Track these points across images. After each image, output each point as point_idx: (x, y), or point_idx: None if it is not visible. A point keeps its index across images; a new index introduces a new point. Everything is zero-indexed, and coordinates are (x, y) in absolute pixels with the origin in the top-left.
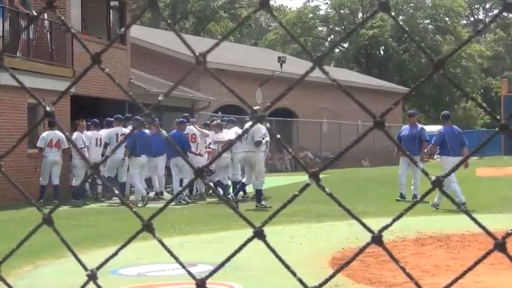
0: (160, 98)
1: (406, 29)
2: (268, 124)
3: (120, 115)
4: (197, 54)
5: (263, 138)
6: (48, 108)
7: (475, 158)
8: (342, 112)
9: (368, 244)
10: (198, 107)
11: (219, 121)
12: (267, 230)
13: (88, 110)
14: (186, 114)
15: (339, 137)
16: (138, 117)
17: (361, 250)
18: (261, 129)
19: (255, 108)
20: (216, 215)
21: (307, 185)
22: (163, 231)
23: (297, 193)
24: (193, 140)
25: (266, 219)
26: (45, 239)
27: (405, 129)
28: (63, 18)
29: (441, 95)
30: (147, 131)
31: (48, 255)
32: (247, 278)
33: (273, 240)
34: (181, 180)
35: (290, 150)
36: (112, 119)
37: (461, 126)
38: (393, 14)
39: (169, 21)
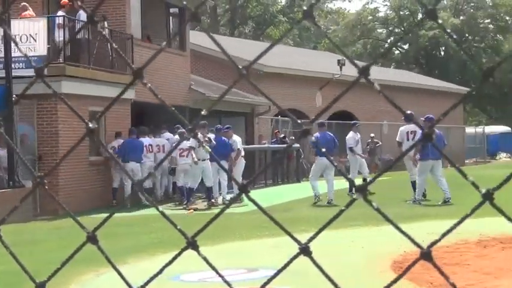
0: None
1: (454, 36)
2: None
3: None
4: (240, 67)
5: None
6: (90, 125)
7: None
8: (401, 114)
9: (417, 260)
10: (258, 112)
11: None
12: (328, 234)
13: (148, 117)
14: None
15: None
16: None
17: (409, 268)
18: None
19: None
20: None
21: (353, 200)
22: (225, 237)
23: (343, 208)
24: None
25: (312, 236)
26: (107, 247)
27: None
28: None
29: (502, 95)
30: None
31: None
32: (304, 284)
33: (334, 243)
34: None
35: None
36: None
37: None
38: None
39: (212, 34)
